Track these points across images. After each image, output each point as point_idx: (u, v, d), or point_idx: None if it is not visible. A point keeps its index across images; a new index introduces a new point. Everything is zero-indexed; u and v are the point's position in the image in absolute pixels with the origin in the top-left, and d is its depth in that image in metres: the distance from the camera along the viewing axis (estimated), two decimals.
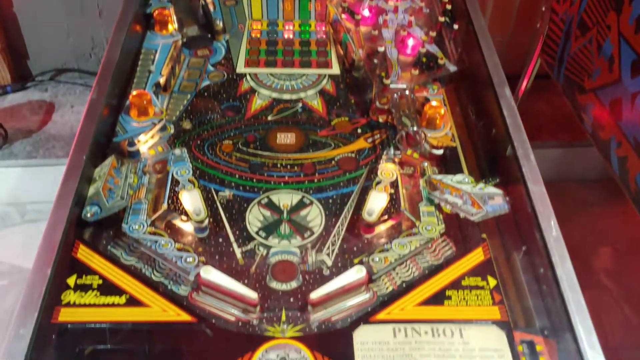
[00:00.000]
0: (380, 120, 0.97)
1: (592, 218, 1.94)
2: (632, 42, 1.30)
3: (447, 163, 0.88)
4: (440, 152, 0.88)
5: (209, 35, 1.13)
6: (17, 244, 1.73)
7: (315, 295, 0.72)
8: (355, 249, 0.80)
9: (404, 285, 0.75)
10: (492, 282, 0.73)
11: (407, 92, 0.93)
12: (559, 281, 0.68)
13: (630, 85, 1.31)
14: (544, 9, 1.63)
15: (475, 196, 0.79)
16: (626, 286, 1.81)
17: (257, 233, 0.82)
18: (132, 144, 0.90)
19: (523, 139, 0.82)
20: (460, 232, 0.79)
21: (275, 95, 1.03)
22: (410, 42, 1.01)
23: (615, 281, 1.81)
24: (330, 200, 0.86)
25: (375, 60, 1.00)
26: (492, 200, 0.79)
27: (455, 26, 1.03)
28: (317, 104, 1.02)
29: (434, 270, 0.75)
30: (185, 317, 0.71)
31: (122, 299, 0.71)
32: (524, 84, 1.76)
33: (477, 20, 1.03)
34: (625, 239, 1.87)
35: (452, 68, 0.97)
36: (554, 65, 1.62)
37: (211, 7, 1.15)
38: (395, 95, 0.94)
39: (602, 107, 1.42)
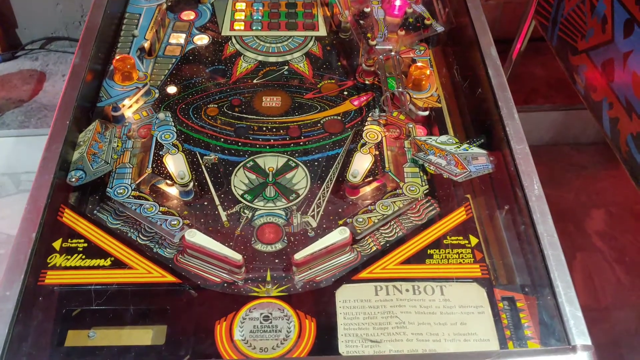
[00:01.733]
0: (367, 82, 0.96)
1: (586, 181, 1.94)
2: (624, 1, 1.28)
3: (433, 124, 0.88)
4: (425, 113, 0.88)
5: None
6: (12, 213, 1.74)
7: (299, 256, 0.72)
8: (340, 210, 0.80)
9: (387, 245, 0.76)
10: (474, 240, 0.73)
11: (392, 54, 0.92)
12: (539, 238, 0.68)
13: (622, 46, 1.30)
14: None
15: (460, 157, 0.79)
16: (618, 247, 1.82)
17: (242, 196, 0.82)
18: (116, 108, 0.89)
19: (507, 98, 0.82)
20: (444, 192, 0.79)
21: (261, 58, 1.02)
22: (398, 2, 1.00)
23: (608, 243, 1.82)
24: (316, 163, 0.86)
25: (362, 22, 0.99)
26: (476, 160, 0.79)
27: None
28: (303, 66, 1.01)
29: (417, 230, 0.76)
30: (170, 278, 0.72)
31: (107, 262, 0.72)
32: (518, 46, 1.74)
33: None
34: (618, 201, 1.87)
35: (440, 29, 0.96)
36: (548, 26, 1.60)
37: None
38: (381, 56, 0.93)
39: (594, 68, 1.40)
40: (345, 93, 0.96)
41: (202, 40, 1.05)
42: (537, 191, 0.73)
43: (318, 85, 0.97)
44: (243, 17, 1.11)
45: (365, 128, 0.88)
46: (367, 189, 0.82)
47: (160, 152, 0.85)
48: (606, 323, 1.67)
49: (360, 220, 0.77)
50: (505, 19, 2.00)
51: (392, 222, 0.78)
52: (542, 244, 0.68)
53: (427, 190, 0.80)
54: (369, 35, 0.95)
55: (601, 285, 1.74)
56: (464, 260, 0.72)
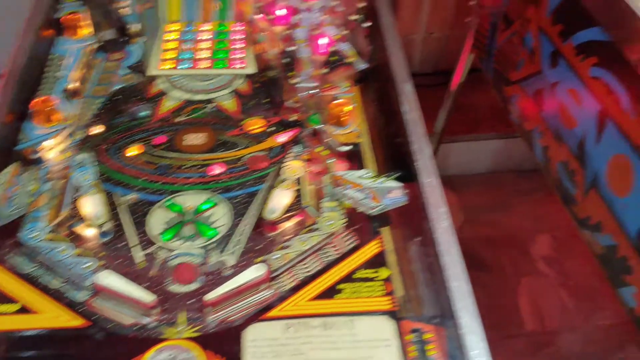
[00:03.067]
0: (292, 119, 0.98)
1: (530, 206, 1.99)
2: (549, 34, 1.33)
3: (354, 159, 0.90)
4: (346, 148, 0.90)
5: (124, 38, 1.13)
6: None
7: (210, 296, 0.72)
8: (258, 247, 0.81)
9: (303, 280, 0.76)
10: (385, 273, 0.74)
11: (315, 91, 0.95)
12: (444, 270, 0.70)
13: (550, 76, 1.35)
14: (473, 2, 1.66)
15: (376, 190, 0.81)
16: (563, 271, 1.86)
17: (159, 235, 0.82)
18: (35, 151, 0.89)
19: (420, 134, 0.84)
20: (360, 225, 0.81)
21: (187, 96, 1.03)
22: (322, 41, 1.02)
23: (553, 267, 1.86)
24: (237, 200, 0.87)
25: (287, 60, 1.01)
26: (391, 193, 0.81)
27: (367, 24, 1.05)
28: (230, 104, 1.02)
29: (332, 264, 0.77)
30: (79, 322, 0.71)
31: (14, 307, 0.71)
32: (457, 78, 1.79)
33: (385, 17, 1.05)
34: (562, 226, 1.92)
35: (362, 65, 0.99)
36: (484, 58, 1.66)
37: (127, 10, 1.14)
38: (304, 94, 0.96)
39: (526, 98, 1.45)
40: (270, 129, 0.97)
41: (129, 80, 1.06)
42: (444, 223, 0.75)
43: (243, 122, 0.98)
44: (172, 56, 1.12)
45: (286, 164, 0.89)
46: (286, 225, 0.83)
47: (78, 193, 0.84)
48: (552, 347, 1.69)
49: (277, 256, 0.77)
50: (450, 50, 2.06)
51: (310, 257, 0.79)
52: (446, 275, 0.69)
53: (345, 224, 0.81)
54: (292, 73, 0.97)
55: (547, 309, 1.77)
56: (374, 294, 0.73)
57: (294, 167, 0.87)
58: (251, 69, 1.08)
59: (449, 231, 0.74)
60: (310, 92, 0.95)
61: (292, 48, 1.02)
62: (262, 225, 0.82)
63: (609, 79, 1.16)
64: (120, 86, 1.04)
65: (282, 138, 0.94)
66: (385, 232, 0.79)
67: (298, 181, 0.86)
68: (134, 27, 1.12)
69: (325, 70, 0.98)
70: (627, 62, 1.11)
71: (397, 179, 0.83)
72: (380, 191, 0.80)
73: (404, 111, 0.86)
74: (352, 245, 0.78)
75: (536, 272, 1.86)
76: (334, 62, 0.97)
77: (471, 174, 2.12)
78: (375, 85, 1.01)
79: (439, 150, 2.02)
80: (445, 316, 0.69)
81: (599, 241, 1.24)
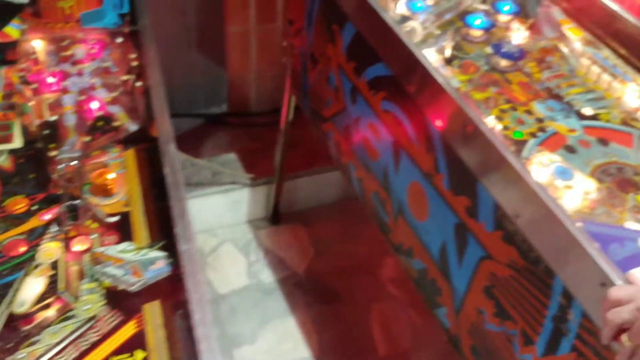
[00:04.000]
0: (60, 193, 0.92)
1: (377, 230, 2.04)
2: (346, 71, 1.38)
3: (122, 230, 0.86)
4: (113, 219, 0.86)
5: None
6: None
7: None
8: (10, 346, 0.74)
9: None
10: (140, 355, 0.70)
11: (75, 162, 0.90)
12: (198, 343, 0.67)
13: (352, 112, 1.40)
14: (285, 44, 1.69)
15: (138, 264, 0.77)
16: (410, 291, 1.90)
17: None
18: None
19: (180, 197, 0.82)
20: (121, 304, 0.76)
21: None
22: (92, 105, 0.98)
23: (401, 288, 1.91)
24: None
25: (49, 131, 0.96)
26: (154, 265, 0.78)
27: (139, 83, 1.02)
28: None
29: (87, 352, 0.72)
30: None
31: None
32: (284, 117, 1.81)
33: (153, 77, 1.03)
34: None
35: (133, 127, 0.96)
36: (301, 97, 1.69)
37: None
38: (69, 165, 0.90)
39: (339, 133, 1.49)
40: (35, 208, 0.91)
41: None
42: (199, 292, 0.72)
43: (5, 203, 0.91)
44: None
45: (42, 247, 0.83)
46: (38, 317, 0.76)
47: None
48: None
49: (22, 355, 0.71)
50: (284, 88, 2.09)
51: (69, 348, 0.73)
52: (200, 348, 0.67)
53: (104, 306, 0.76)
54: (52, 145, 0.92)
55: (398, 331, 1.81)
56: None
57: (50, 249, 0.82)
58: (17, 143, 1.01)
59: (202, 301, 0.71)
60: (74, 162, 0.90)
61: (54, 118, 0.97)
62: (13, 320, 0.76)
63: (397, 112, 1.22)
64: None
65: (47, 216, 0.88)
66: (148, 308, 0.75)
67: (55, 265, 0.80)
68: None
69: (88, 139, 0.94)
70: (408, 94, 1.17)
71: (164, 247, 0.80)
72: (143, 264, 0.77)
73: (165, 174, 0.84)
74: (110, 327, 0.74)
75: (386, 295, 1.90)
76: (101, 127, 0.93)
77: (320, 205, 2.14)
78: (145, 147, 0.98)
79: (283, 187, 2.03)
80: None
81: (412, 266, 1.28)
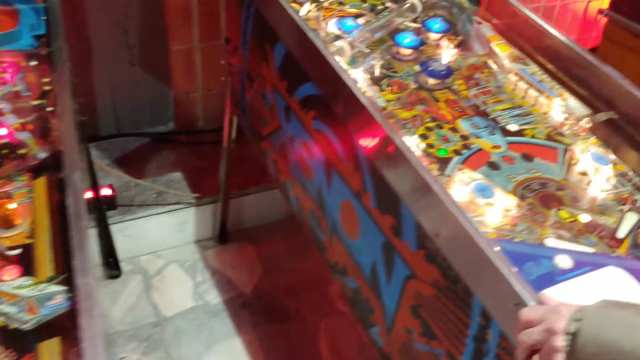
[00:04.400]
0: None
1: None
2: (280, 90, 1.37)
3: (25, 263, 0.82)
4: (14, 252, 0.82)
5: None
6: None
7: None
8: None
9: None
10: None
11: None
12: None
13: (287, 130, 1.39)
14: (223, 62, 1.68)
15: (34, 300, 0.74)
16: None
17: None
18: None
19: (81, 228, 0.78)
20: (16, 344, 0.73)
21: None
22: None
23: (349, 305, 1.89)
24: None
25: None
26: (52, 300, 0.74)
27: (50, 108, 0.99)
28: None
29: None
30: None
31: None
32: (225, 134, 1.80)
33: (63, 102, 0.99)
34: None
35: (41, 155, 0.93)
36: (241, 115, 1.67)
37: None
38: None
39: (276, 152, 1.48)
40: None
41: None
42: (94, 329, 0.69)
43: None
44: None
45: None
46: None
47: None
48: None
49: None
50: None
51: None
52: None
53: None
54: None
55: (346, 348, 1.80)
56: None
57: None
58: None
59: (95, 338, 0.68)
60: None
61: None
62: None
63: (327, 131, 1.21)
64: None
65: None
66: (45, 346, 0.72)
67: None
68: None
69: None
70: (336, 114, 1.16)
71: (66, 280, 0.77)
72: (40, 300, 0.73)
73: (68, 204, 0.81)
74: None
75: (335, 312, 1.89)
76: (6, 155, 0.90)
77: (268, 223, 2.12)
78: (54, 175, 0.95)
79: (229, 206, 2.00)
80: None
81: (348, 284, 1.27)
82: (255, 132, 1.56)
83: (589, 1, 2.59)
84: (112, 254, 1.90)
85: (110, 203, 1.93)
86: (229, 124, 1.75)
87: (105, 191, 1.92)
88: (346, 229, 1.21)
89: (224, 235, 2.06)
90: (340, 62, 1.23)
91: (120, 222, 1.93)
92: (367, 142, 1.06)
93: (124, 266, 1.96)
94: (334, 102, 1.15)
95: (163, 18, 2.00)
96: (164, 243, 2.02)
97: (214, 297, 1.90)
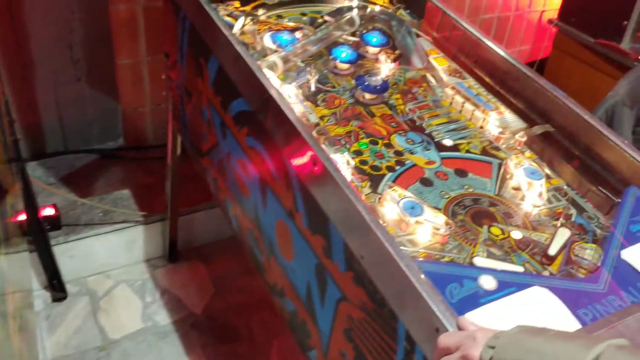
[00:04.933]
0: None
1: None
2: (215, 106, 1.33)
3: None
4: None
5: None
6: None
7: None
8: None
9: None
10: None
11: None
12: None
13: (224, 147, 1.35)
14: (164, 77, 1.64)
15: None
16: None
17: None
18: None
19: None
20: None
21: None
22: None
23: None
24: None
25: None
26: None
27: None
28: None
29: None
30: None
31: None
32: (170, 150, 1.75)
33: None
34: None
35: None
36: (182, 130, 1.63)
37: None
38: None
39: (214, 169, 1.44)
40: None
41: None
42: None
43: None
44: None
45: None
46: None
47: None
48: None
49: None
50: None
51: None
52: None
53: None
54: None
55: None
56: None
57: None
58: None
59: None
60: None
61: None
62: None
63: (259, 148, 1.18)
64: None
65: None
66: None
67: None
68: None
69: None
70: (267, 130, 1.13)
71: None
72: None
73: None
74: None
75: (285, 332, 1.84)
76: None
77: (220, 240, 2.07)
78: None
79: (178, 223, 1.95)
80: None
81: (286, 307, 1.23)
82: (196, 148, 1.52)
83: (543, 11, 2.61)
84: (56, 276, 1.83)
85: (54, 223, 1.87)
86: (173, 139, 1.71)
87: (48, 211, 1.86)
88: (282, 250, 1.17)
89: (175, 253, 2.00)
90: (272, 77, 1.20)
91: (65, 242, 1.87)
92: (296, 160, 1.03)
93: (71, 288, 1.90)
94: (263, 119, 1.12)
95: (109, 32, 1.95)
96: (113, 263, 1.96)
97: (163, 318, 1.85)
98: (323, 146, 1.09)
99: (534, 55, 2.61)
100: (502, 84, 1.26)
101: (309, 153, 0.98)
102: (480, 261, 0.92)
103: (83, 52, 2.02)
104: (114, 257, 1.96)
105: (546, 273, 0.93)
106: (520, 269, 0.92)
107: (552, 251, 0.95)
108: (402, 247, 0.94)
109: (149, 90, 2.07)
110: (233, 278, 1.97)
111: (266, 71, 1.20)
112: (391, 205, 0.99)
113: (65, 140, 2.16)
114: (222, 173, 1.39)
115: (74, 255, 1.88)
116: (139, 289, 1.94)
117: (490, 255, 0.95)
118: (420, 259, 0.93)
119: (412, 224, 0.97)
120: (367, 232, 0.86)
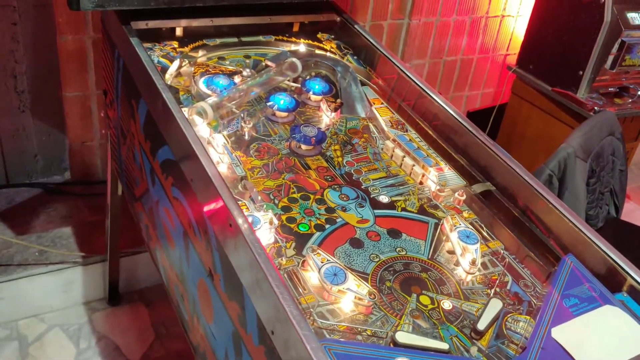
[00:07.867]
0: None
1: None
2: (145, 151, 1.26)
3: None
4: None
5: None
6: None
7: None
8: None
9: None
10: None
11: None
12: None
13: (153, 194, 1.27)
14: (102, 114, 1.56)
15: None
16: None
17: None
18: None
19: None
20: None
21: None
22: None
23: None
24: None
25: None
26: None
27: None
28: None
29: None
30: None
31: None
32: (108, 190, 1.67)
33: None
34: None
35: None
36: (119, 171, 1.55)
37: None
38: None
39: (145, 215, 1.36)
40: None
41: None
42: None
43: None
44: None
45: None
46: None
47: None
48: None
49: None
50: None
51: None
52: None
53: None
54: None
55: None
56: None
57: None
58: None
59: None
60: None
61: None
62: None
63: (183, 200, 1.10)
64: None
65: None
66: None
67: None
68: None
69: None
70: (188, 182, 1.06)
71: None
72: None
73: None
74: None
75: None
76: None
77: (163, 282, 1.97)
78: None
79: (120, 264, 1.86)
80: None
81: None
82: (130, 191, 1.44)
83: (506, 54, 2.60)
84: None
85: None
86: (112, 179, 1.62)
87: None
88: (204, 311, 1.09)
89: (116, 296, 1.90)
90: (201, 124, 1.13)
91: None
92: (214, 218, 0.96)
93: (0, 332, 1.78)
94: (185, 170, 1.05)
95: (56, 63, 1.88)
96: (47, 305, 1.85)
97: None
98: (247, 202, 1.02)
99: (497, 98, 2.59)
100: (445, 137, 1.21)
101: (225, 212, 0.91)
102: (402, 337, 0.84)
103: (28, 82, 1.94)
104: (48, 299, 1.85)
105: (474, 349, 0.86)
106: (445, 346, 0.84)
107: (481, 326, 0.88)
108: (320, 320, 0.86)
109: (97, 124, 1.99)
110: (175, 323, 1.87)
111: (196, 118, 1.13)
112: (313, 271, 0.91)
113: (7, 173, 2.06)
114: (152, 220, 1.31)
115: (4, 297, 1.77)
116: (74, 333, 1.82)
117: (416, 329, 0.88)
118: (341, 332, 0.86)
119: (334, 293, 0.89)
120: (275, 305, 0.79)
